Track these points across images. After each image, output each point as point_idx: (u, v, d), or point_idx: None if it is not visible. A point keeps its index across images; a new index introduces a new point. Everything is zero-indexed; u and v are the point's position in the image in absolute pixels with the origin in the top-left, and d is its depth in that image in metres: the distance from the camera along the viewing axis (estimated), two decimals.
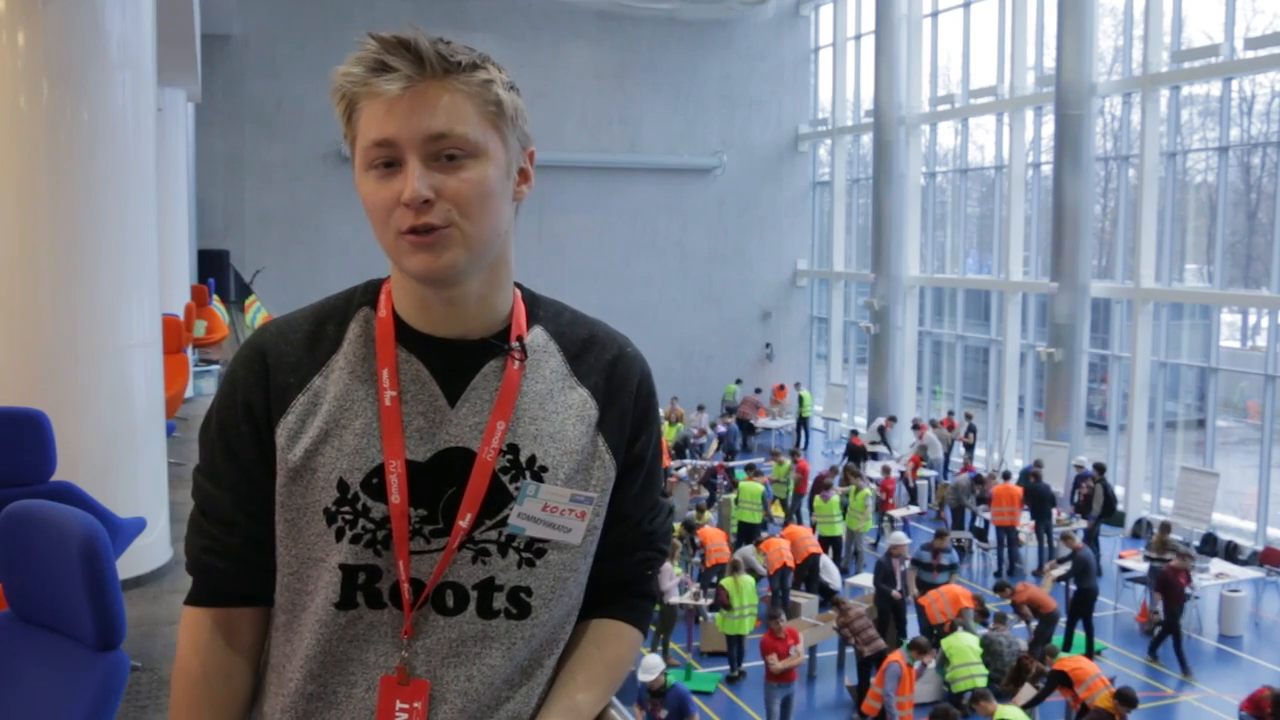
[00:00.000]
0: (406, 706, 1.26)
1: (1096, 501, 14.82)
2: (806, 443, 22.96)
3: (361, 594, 1.27)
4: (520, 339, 1.32)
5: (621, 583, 1.43)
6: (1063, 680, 9.19)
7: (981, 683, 9.71)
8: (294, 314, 1.37)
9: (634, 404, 1.37)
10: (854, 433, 20.63)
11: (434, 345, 1.29)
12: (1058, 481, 15.72)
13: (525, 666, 1.32)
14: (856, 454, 18.67)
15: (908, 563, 12.13)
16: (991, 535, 15.41)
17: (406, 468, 1.26)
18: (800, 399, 23.63)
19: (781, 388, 24.82)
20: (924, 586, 11.71)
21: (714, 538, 13.22)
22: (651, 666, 9.27)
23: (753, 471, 16.13)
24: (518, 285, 1.36)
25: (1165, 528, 13.35)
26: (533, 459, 1.29)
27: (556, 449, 1.30)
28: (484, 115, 1.22)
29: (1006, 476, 15.75)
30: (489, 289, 1.30)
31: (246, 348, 1.34)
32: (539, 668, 1.33)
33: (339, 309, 1.35)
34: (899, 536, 12.47)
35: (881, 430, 21.27)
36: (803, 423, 23.45)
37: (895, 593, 11.68)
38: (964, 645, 10.09)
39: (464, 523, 1.26)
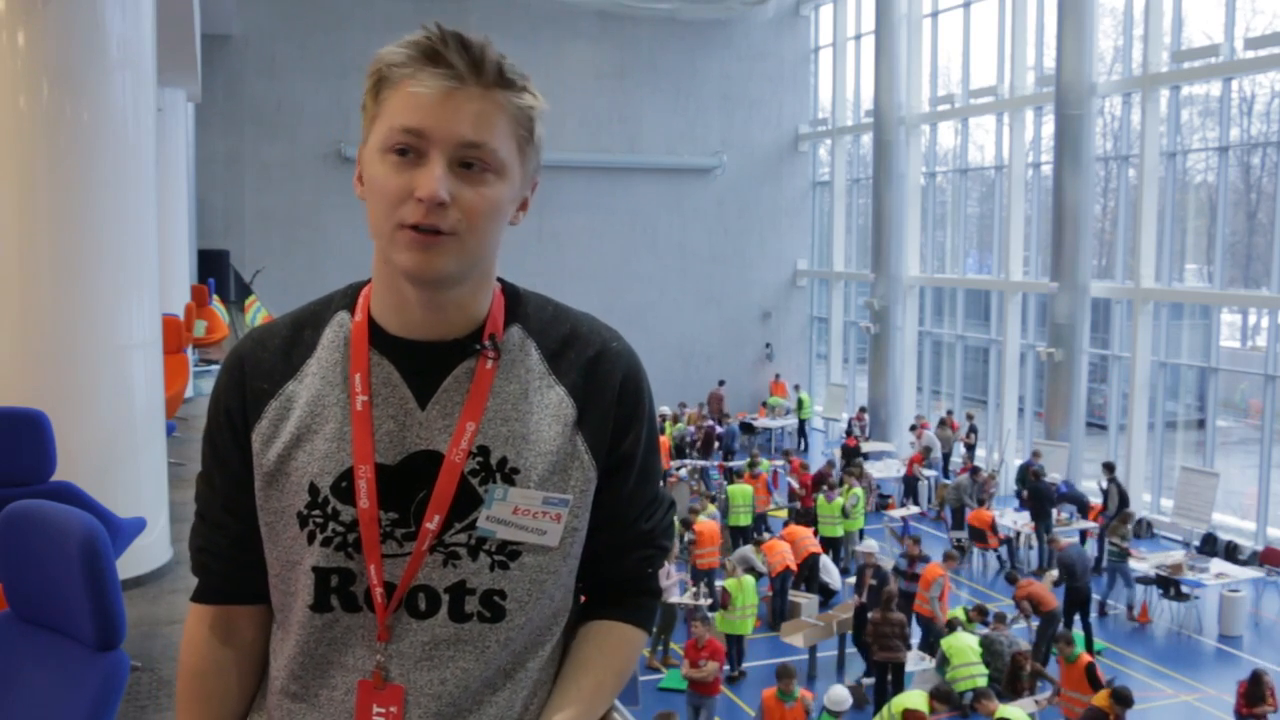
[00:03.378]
0: (383, 711, 1.26)
1: (1111, 501, 14.84)
2: (806, 445, 22.96)
3: (336, 597, 1.28)
4: (492, 338, 1.30)
5: (622, 582, 1.42)
6: None
7: (982, 682, 9.70)
8: (275, 321, 1.38)
9: (617, 402, 1.33)
10: (848, 433, 20.69)
11: (407, 348, 1.29)
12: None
13: (506, 669, 1.30)
14: (851, 454, 18.66)
15: (884, 570, 11.64)
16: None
17: (375, 472, 1.26)
18: (800, 401, 23.67)
19: (778, 383, 24.85)
20: (903, 596, 11.33)
21: (708, 538, 13.11)
22: (841, 699, 8.91)
23: (750, 468, 16.15)
24: (500, 280, 1.35)
25: (1126, 518, 13.60)
26: (504, 461, 1.27)
27: (530, 450, 1.28)
28: (515, 137, 1.23)
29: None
30: (469, 295, 1.28)
31: (228, 356, 1.37)
32: (520, 670, 1.31)
33: (317, 314, 1.36)
34: (870, 544, 12.27)
35: (851, 423, 21.38)
36: (801, 425, 23.50)
37: (857, 598, 11.54)
38: (964, 645, 10.08)
39: (431, 525, 1.25)
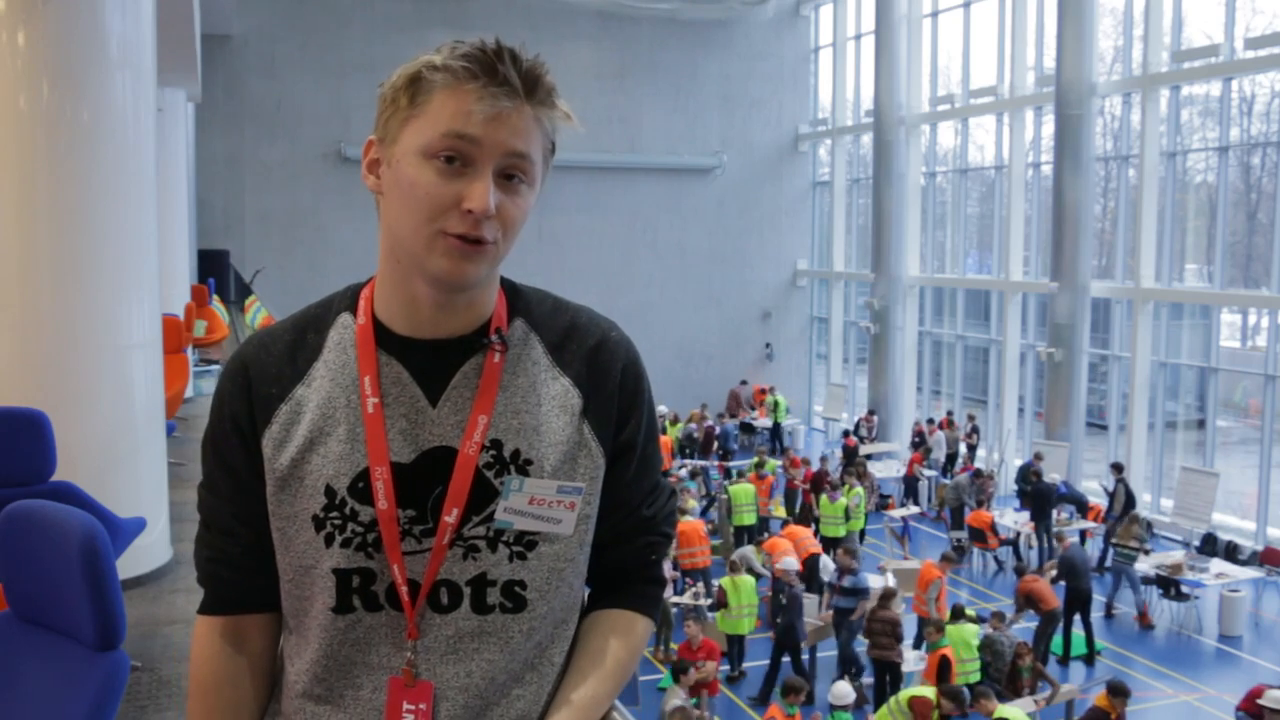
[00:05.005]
0: (413, 708, 1.27)
1: (1118, 501, 14.85)
2: (782, 447, 22.89)
3: (358, 597, 1.28)
4: (499, 331, 1.32)
5: (626, 570, 1.43)
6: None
7: (975, 679, 9.69)
8: (276, 325, 1.39)
9: (619, 390, 1.36)
10: (847, 433, 20.67)
11: (414, 347, 1.30)
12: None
13: (531, 661, 1.32)
14: (851, 454, 18.66)
15: (799, 588, 11.28)
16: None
17: (392, 471, 1.27)
18: (776, 403, 23.57)
19: (761, 391, 24.88)
20: (839, 612, 11.16)
21: (691, 538, 13.01)
22: (844, 693, 9.06)
23: (758, 465, 16.13)
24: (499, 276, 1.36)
25: (1135, 520, 13.56)
26: (517, 453, 1.29)
27: (541, 442, 1.30)
28: (543, 148, 1.25)
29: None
30: (479, 294, 1.30)
31: (231, 361, 1.37)
32: (545, 662, 1.33)
33: (319, 317, 1.36)
34: (789, 561, 11.57)
35: (859, 424, 21.39)
36: (777, 428, 23.43)
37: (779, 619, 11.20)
38: (962, 638, 10.06)
39: (450, 518, 1.27)
